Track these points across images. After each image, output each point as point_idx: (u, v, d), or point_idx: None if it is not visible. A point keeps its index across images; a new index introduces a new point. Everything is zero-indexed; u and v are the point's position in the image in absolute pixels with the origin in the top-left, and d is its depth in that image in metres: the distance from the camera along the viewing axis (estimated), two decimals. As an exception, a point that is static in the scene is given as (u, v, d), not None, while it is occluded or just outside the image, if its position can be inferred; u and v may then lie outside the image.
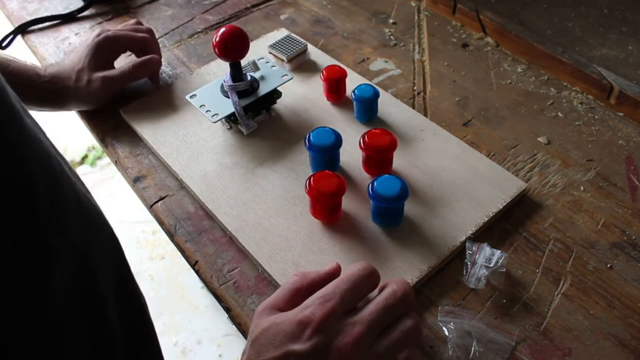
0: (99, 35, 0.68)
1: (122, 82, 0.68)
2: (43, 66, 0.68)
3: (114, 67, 0.69)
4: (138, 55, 0.72)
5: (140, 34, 0.70)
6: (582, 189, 0.59)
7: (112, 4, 0.90)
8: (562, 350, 0.46)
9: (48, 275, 0.38)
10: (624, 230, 0.55)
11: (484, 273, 0.50)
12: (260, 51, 0.75)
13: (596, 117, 0.67)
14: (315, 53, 0.76)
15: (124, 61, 0.70)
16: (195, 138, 0.65)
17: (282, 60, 0.73)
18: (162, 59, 0.74)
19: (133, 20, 0.74)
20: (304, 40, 0.75)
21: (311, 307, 0.40)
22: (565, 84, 0.72)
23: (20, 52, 0.75)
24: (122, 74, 0.68)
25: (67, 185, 0.45)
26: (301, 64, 0.74)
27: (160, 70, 0.74)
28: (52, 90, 0.65)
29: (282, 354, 0.38)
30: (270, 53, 0.74)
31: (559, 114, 0.68)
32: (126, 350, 0.43)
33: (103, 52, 0.67)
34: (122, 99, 0.70)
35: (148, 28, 0.73)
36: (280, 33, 0.79)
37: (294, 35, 0.76)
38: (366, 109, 0.65)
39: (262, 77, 0.65)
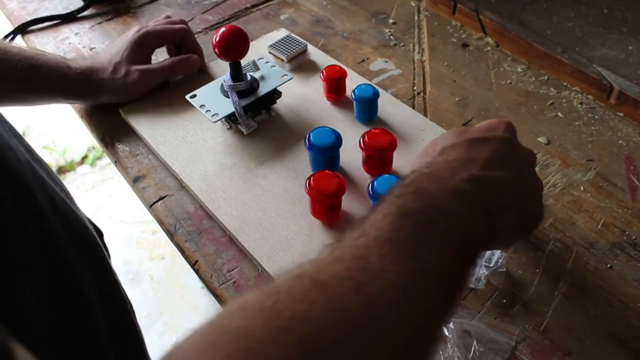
0: (139, 30, 0.68)
1: (160, 77, 0.69)
2: (74, 59, 0.68)
3: (151, 62, 0.70)
4: (173, 49, 0.73)
5: (178, 26, 0.71)
6: (582, 189, 0.59)
7: (112, 4, 0.90)
8: (562, 350, 0.46)
9: (20, 286, 0.38)
10: (624, 230, 0.55)
11: (484, 273, 0.50)
12: (260, 51, 0.75)
13: (596, 117, 0.67)
14: (315, 53, 0.76)
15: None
16: (195, 138, 0.65)
17: (282, 60, 0.73)
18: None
19: (162, 16, 0.74)
20: (304, 40, 0.75)
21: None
22: (565, 84, 0.72)
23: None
24: (161, 69, 0.68)
25: (42, 192, 0.44)
26: (301, 64, 0.74)
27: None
28: (84, 82, 0.65)
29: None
30: (270, 53, 0.74)
31: (559, 114, 0.68)
32: (115, 355, 0.43)
33: (142, 46, 0.68)
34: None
35: (181, 19, 0.73)
36: (280, 33, 0.79)
37: (293, 35, 0.76)
38: (366, 109, 0.64)
39: (262, 77, 0.65)
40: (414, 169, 0.37)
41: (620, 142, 0.64)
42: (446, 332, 0.47)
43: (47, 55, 0.64)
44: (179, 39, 0.71)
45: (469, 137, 0.40)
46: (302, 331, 0.24)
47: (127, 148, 0.66)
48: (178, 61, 0.69)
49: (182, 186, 0.61)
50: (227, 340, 0.23)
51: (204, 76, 0.73)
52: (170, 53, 0.74)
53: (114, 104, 0.69)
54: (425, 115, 0.68)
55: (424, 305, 0.28)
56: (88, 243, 0.51)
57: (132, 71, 0.66)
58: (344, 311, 0.25)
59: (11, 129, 0.47)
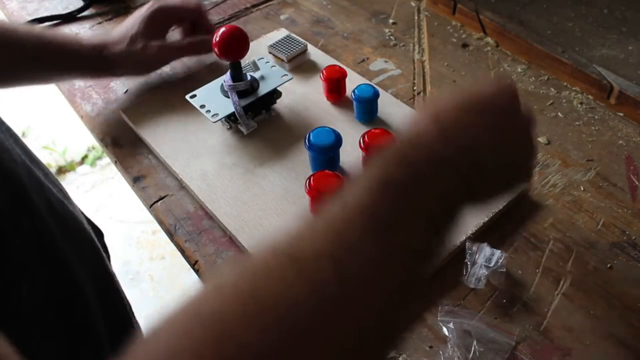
0: (152, 5, 0.67)
1: (177, 55, 0.68)
2: (86, 36, 0.67)
3: (166, 39, 0.69)
4: (188, 28, 0.72)
5: (193, 2, 0.70)
6: (582, 189, 0.59)
7: (112, 4, 0.90)
8: (562, 350, 0.46)
9: (17, 284, 0.38)
10: (624, 230, 0.55)
11: (484, 273, 0.50)
12: (260, 51, 0.75)
13: (596, 117, 0.67)
14: (315, 53, 0.76)
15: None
16: (195, 138, 0.65)
17: (282, 60, 0.73)
18: None
19: None
20: (303, 40, 0.75)
21: None
22: (565, 84, 0.72)
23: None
24: (180, 47, 0.68)
25: (38, 192, 0.44)
26: (301, 64, 0.74)
27: (160, 70, 0.74)
28: (96, 58, 0.64)
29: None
30: (270, 53, 0.74)
31: (559, 114, 0.68)
32: (113, 355, 0.44)
33: (157, 21, 0.66)
34: (122, 99, 0.70)
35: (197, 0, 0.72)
36: (280, 33, 0.79)
37: (293, 35, 0.76)
38: (366, 109, 0.64)
39: (262, 77, 0.65)
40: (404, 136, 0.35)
41: (620, 142, 0.64)
42: (446, 332, 0.47)
43: (57, 33, 0.64)
44: (194, 17, 0.70)
45: (465, 105, 0.36)
46: (279, 313, 0.23)
47: (127, 148, 0.66)
48: (197, 42, 0.68)
49: (182, 186, 0.61)
50: (201, 325, 0.23)
51: (204, 76, 0.73)
52: (185, 32, 0.72)
53: (107, 106, 0.68)
54: (425, 115, 0.68)
55: (398, 277, 0.28)
56: (85, 243, 0.51)
57: (151, 46, 0.65)
58: (322, 291, 0.25)
59: (8, 130, 0.47)
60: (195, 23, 0.71)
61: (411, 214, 0.29)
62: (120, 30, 0.66)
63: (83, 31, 0.85)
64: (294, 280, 0.25)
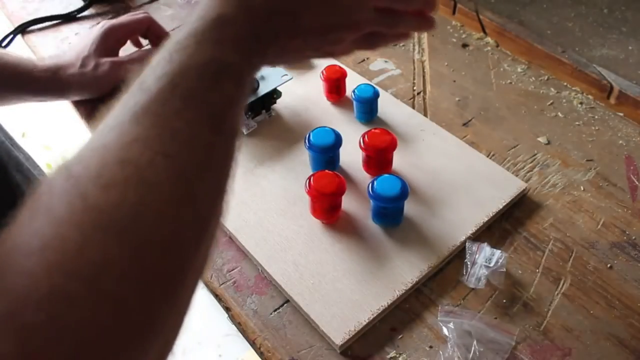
0: (103, 24, 0.68)
1: (130, 68, 0.68)
2: (39, 59, 0.67)
3: (119, 56, 0.69)
4: (139, 41, 0.72)
5: (141, 15, 0.70)
6: (582, 189, 0.59)
7: (112, 4, 0.90)
8: (562, 350, 0.46)
9: None
10: (624, 230, 0.55)
11: (484, 273, 0.50)
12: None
13: (596, 117, 0.67)
14: (315, 53, 0.76)
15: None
16: (195, 138, 0.65)
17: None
18: None
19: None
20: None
21: None
22: (565, 84, 0.72)
23: (20, 52, 0.75)
24: (130, 59, 0.68)
25: (17, 170, 0.45)
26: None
27: None
28: (50, 79, 0.65)
29: None
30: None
31: (559, 114, 0.68)
32: None
33: (109, 39, 0.67)
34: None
35: (144, 13, 0.72)
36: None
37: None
38: (366, 109, 0.64)
39: (262, 77, 0.65)
40: None
41: (620, 142, 0.64)
42: (446, 332, 0.47)
43: (11, 55, 0.65)
44: (144, 28, 0.70)
45: None
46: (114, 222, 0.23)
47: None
48: (146, 52, 0.69)
49: (182, 186, 0.61)
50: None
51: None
52: (137, 45, 0.73)
53: (85, 100, 0.68)
54: (425, 115, 0.68)
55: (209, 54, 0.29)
56: None
57: (102, 63, 0.65)
58: (155, 185, 0.24)
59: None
60: (148, 34, 0.71)
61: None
62: (72, 52, 0.67)
63: (83, 31, 0.85)
64: (128, 182, 0.24)
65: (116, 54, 0.69)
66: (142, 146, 0.25)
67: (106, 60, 0.66)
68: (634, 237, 0.54)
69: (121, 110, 0.27)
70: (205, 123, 0.28)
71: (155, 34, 0.71)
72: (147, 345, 0.23)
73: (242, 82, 0.31)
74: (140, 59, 0.69)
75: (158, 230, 0.24)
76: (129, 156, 0.24)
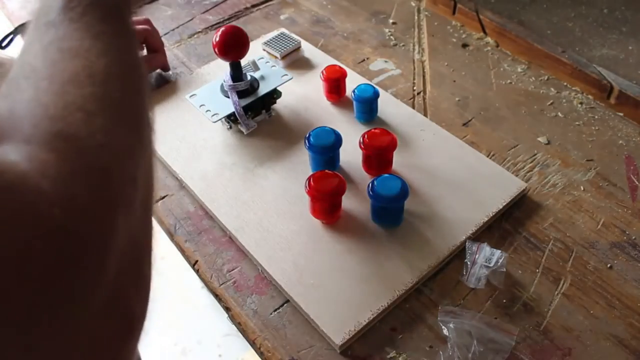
0: None
1: None
2: None
3: None
4: (140, 48, 0.72)
5: (140, 26, 0.70)
6: (582, 189, 0.59)
7: (112, 3, 0.90)
8: (562, 350, 0.46)
9: None
10: (624, 230, 0.55)
11: (484, 273, 0.50)
12: (259, 51, 0.75)
13: (596, 117, 0.67)
14: (314, 53, 0.76)
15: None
16: (195, 138, 0.65)
17: (276, 57, 0.73)
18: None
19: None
20: (298, 38, 0.75)
21: None
22: (565, 84, 0.72)
23: (20, 52, 0.75)
24: None
25: None
26: (295, 61, 0.74)
27: (160, 70, 0.74)
28: None
29: None
30: (264, 50, 0.74)
31: (559, 114, 0.68)
32: None
33: None
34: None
35: (146, 18, 0.73)
36: (277, 32, 0.79)
37: (287, 32, 0.76)
38: (366, 109, 0.64)
39: (262, 77, 0.65)
40: None
41: (620, 142, 0.64)
42: (446, 332, 0.47)
43: (9, 58, 0.64)
44: (140, 39, 0.71)
45: None
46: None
47: (127, 148, 0.66)
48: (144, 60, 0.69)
49: (182, 186, 0.61)
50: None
51: (204, 76, 0.73)
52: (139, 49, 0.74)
53: None
54: (425, 115, 0.68)
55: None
56: None
57: None
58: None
59: None
60: (146, 41, 0.71)
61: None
62: None
63: (83, 31, 0.85)
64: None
65: None
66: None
67: None
68: (634, 237, 0.54)
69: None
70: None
71: (152, 43, 0.71)
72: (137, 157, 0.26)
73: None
74: None
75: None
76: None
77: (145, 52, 0.73)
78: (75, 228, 0.21)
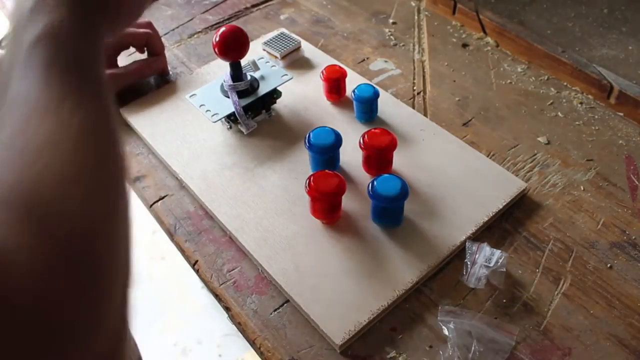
0: None
1: (127, 80, 0.69)
2: None
3: (117, 66, 0.69)
4: (141, 51, 0.72)
5: (142, 30, 0.70)
6: (582, 188, 0.59)
7: (112, 3, 0.90)
8: (562, 350, 0.46)
9: None
10: (624, 230, 0.55)
11: (484, 273, 0.50)
12: (259, 51, 0.75)
13: (596, 117, 0.67)
14: (314, 53, 0.76)
15: (124, 58, 0.70)
16: (195, 138, 0.65)
17: (276, 57, 0.73)
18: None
19: None
20: (298, 37, 0.75)
21: None
22: (565, 84, 0.72)
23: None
24: (127, 73, 0.68)
25: None
26: (295, 61, 0.74)
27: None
28: None
29: None
30: (264, 50, 0.74)
31: (559, 113, 0.68)
32: None
33: (106, 52, 0.67)
34: (122, 98, 0.70)
35: (148, 22, 0.72)
36: (277, 32, 0.79)
37: (287, 32, 0.76)
38: (366, 108, 0.64)
39: (262, 77, 0.65)
40: None
41: (620, 142, 0.64)
42: (446, 332, 0.47)
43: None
44: (142, 42, 0.71)
45: None
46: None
47: (127, 148, 0.66)
48: (145, 64, 0.70)
49: (182, 186, 0.61)
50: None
51: (204, 76, 0.73)
52: (139, 51, 0.73)
53: None
54: (425, 115, 0.68)
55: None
56: None
57: None
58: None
59: None
60: (147, 44, 0.71)
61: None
62: None
63: (83, 31, 0.85)
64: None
65: (114, 63, 0.69)
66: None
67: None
68: (634, 237, 0.54)
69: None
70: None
71: (153, 46, 0.71)
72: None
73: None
74: (137, 71, 0.69)
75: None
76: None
77: (146, 55, 0.73)
78: (47, 315, 0.20)
